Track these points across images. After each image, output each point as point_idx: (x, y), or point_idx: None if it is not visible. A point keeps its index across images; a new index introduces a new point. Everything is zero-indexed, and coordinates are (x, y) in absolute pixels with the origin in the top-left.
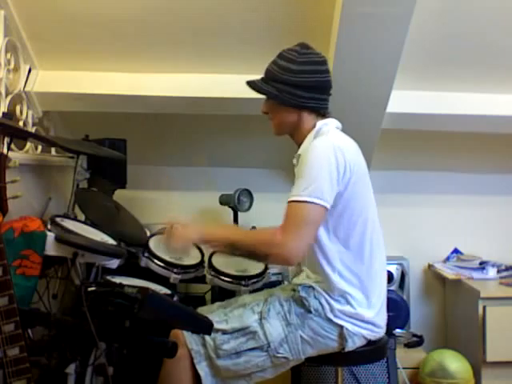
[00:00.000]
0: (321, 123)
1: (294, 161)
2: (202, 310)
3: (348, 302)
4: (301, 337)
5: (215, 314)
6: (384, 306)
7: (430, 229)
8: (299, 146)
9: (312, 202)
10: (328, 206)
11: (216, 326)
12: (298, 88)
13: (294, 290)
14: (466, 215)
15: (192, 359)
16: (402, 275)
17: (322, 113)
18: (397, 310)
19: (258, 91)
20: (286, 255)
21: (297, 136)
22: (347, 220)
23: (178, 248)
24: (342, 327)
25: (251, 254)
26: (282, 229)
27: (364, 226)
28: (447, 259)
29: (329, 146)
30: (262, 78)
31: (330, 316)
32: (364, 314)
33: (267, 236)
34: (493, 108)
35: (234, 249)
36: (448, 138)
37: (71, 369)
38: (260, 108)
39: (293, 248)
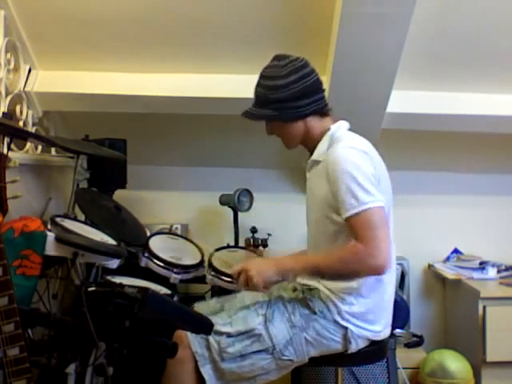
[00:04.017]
0: (334, 127)
1: (307, 165)
2: (198, 306)
3: (354, 301)
4: (305, 338)
5: (218, 316)
6: (390, 305)
7: (430, 229)
8: (311, 151)
9: (372, 208)
10: (383, 204)
11: (220, 328)
12: (294, 100)
13: (295, 290)
14: (465, 215)
15: (196, 362)
16: (402, 275)
17: (325, 111)
18: (397, 310)
19: (257, 119)
20: (379, 264)
21: (309, 143)
22: None
23: (260, 287)
24: (346, 329)
25: (338, 274)
26: (363, 242)
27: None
28: (447, 259)
29: (354, 151)
30: (255, 104)
31: (337, 318)
32: (369, 310)
33: (352, 253)
34: (492, 108)
35: (318, 273)
36: (448, 137)
37: (71, 369)
38: None
39: (383, 254)
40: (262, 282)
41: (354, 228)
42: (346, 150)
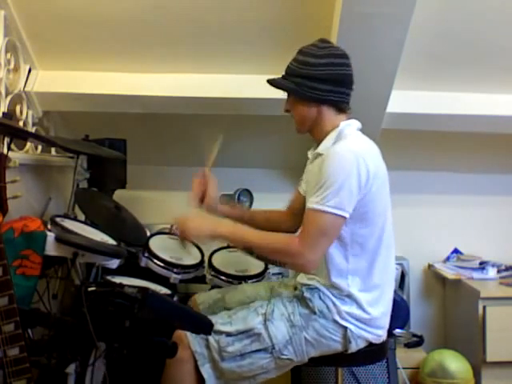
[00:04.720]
0: (344, 124)
1: (309, 155)
2: (198, 297)
3: (355, 304)
4: (304, 338)
5: (219, 315)
6: (389, 310)
7: (430, 229)
8: (318, 143)
9: (333, 213)
10: (348, 216)
11: (220, 328)
12: (316, 81)
13: (296, 289)
14: (465, 215)
15: (195, 361)
16: (402, 275)
17: (342, 108)
18: (397, 310)
19: (277, 87)
20: (303, 265)
21: (316, 133)
22: (366, 224)
23: (189, 239)
24: (346, 329)
25: (267, 257)
26: (301, 238)
27: (383, 225)
28: (447, 259)
29: (350, 154)
30: (283, 75)
31: (337, 318)
32: (370, 316)
33: (285, 244)
34: (493, 108)
35: (249, 250)
36: (448, 138)
37: (71, 369)
38: (261, 109)
39: (310, 259)
40: (194, 237)
41: (306, 221)
42: (344, 150)
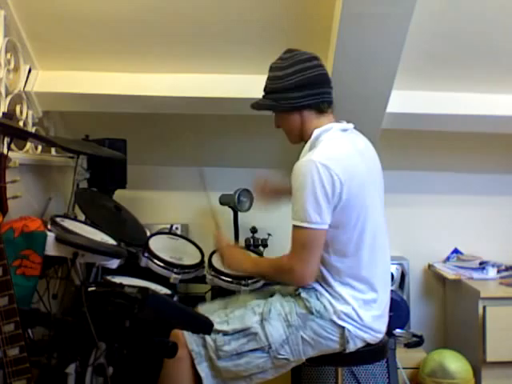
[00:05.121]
0: (318, 131)
1: None
2: (202, 307)
3: (351, 305)
4: (302, 338)
5: (216, 314)
6: (386, 310)
7: (430, 229)
8: None
9: (308, 228)
10: (327, 227)
11: (217, 327)
12: (290, 91)
13: (294, 290)
14: (465, 215)
15: (192, 360)
16: (402, 275)
17: (323, 108)
18: (397, 310)
19: (258, 108)
20: (296, 279)
21: (306, 138)
22: (344, 228)
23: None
24: (343, 329)
25: (269, 279)
26: (289, 255)
27: (362, 230)
28: (447, 259)
29: (312, 166)
30: (263, 95)
31: (334, 318)
32: (366, 317)
33: (277, 264)
34: (492, 108)
35: (254, 275)
36: (448, 137)
37: (71, 369)
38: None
39: (302, 272)
40: (224, 261)
41: (291, 237)
42: (304, 163)
